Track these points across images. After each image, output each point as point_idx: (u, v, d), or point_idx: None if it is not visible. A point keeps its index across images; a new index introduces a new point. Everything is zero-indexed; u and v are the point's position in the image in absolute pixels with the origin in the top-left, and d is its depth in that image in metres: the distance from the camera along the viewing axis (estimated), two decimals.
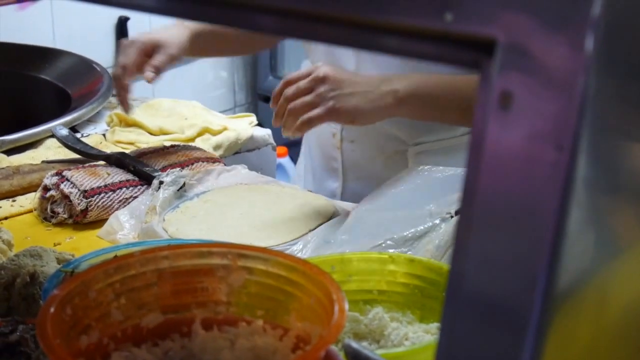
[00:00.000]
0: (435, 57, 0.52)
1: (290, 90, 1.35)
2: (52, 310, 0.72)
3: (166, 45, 1.58)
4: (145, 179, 1.51)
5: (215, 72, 3.68)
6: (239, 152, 1.85)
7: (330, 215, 1.38)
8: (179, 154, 1.63)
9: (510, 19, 0.46)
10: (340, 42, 0.59)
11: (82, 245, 1.35)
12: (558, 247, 0.47)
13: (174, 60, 1.59)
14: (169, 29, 1.63)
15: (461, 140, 1.57)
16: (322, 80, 1.34)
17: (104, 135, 1.85)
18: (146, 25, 3.30)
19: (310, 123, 1.34)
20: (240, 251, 0.82)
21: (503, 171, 0.48)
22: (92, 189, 1.44)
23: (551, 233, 0.47)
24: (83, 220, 1.43)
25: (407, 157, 1.56)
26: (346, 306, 0.71)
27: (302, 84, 1.34)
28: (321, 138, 1.68)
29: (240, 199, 1.45)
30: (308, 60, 1.68)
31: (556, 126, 0.46)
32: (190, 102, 1.99)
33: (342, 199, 1.62)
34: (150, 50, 1.58)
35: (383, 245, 1.15)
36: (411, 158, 1.56)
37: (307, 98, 1.33)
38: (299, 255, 1.21)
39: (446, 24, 0.48)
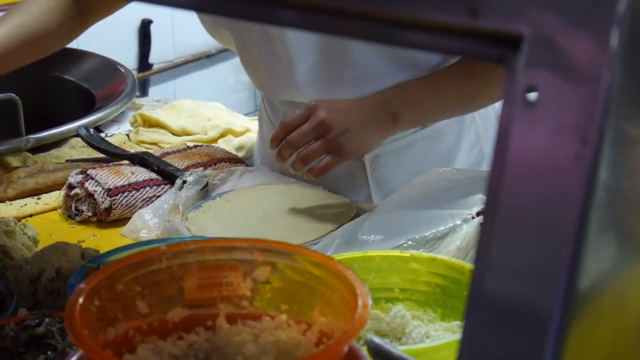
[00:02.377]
0: (462, 52, 0.54)
1: (293, 137, 1.38)
2: (80, 301, 0.74)
3: None
4: (169, 178, 1.52)
5: (236, 75, 3.70)
6: None
7: (352, 216, 1.39)
8: (202, 154, 1.64)
9: (536, 14, 0.47)
10: (366, 38, 0.59)
11: (105, 243, 1.36)
12: (580, 248, 0.48)
13: None
14: None
15: (414, 137, 1.57)
16: (322, 124, 1.37)
17: (127, 135, 1.87)
18: (169, 27, 3.33)
19: (327, 170, 1.39)
20: (265, 246, 0.83)
21: (528, 167, 0.49)
22: (116, 187, 1.46)
23: (574, 231, 0.48)
24: (107, 218, 1.45)
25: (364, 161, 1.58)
26: (369, 301, 0.72)
27: (305, 129, 1.37)
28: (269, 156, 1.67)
29: (262, 199, 1.46)
30: None
31: (581, 120, 0.46)
32: (212, 103, 2.01)
33: (375, 195, 1.63)
34: None
35: (405, 245, 1.16)
36: (368, 162, 1.58)
37: (316, 145, 1.38)
38: None
39: (474, 20, 0.49)
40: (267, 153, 1.65)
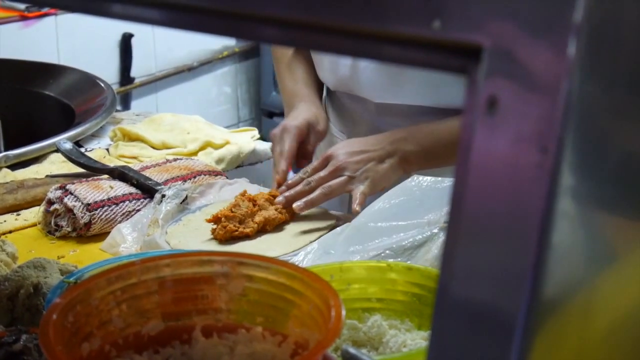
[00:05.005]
0: (426, 64, 0.54)
1: (313, 179, 1.44)
2: (54, 317, 0.74)
3: (315, 123, 1.57)
4: (148, 192, 1.52)
5: (218, 87, 3.71)
6: (241, 165, 1.86)
7: (331, 227, 1.39)
8: (181, 167, 1.64)
9: (496, 25, 0.47)
10: (340, 52, 0.60)
11: (85, 258, 1.36)
12: (543, 253, 0.48)
13: (325, 134, 1.61)
14: (304, 105, 1.61)
15: None
16: (338, 168, 1.43)
17: (107, 149, 1.87)
18: (150, 41, 3.33)
19: (363, 200, 1.41)
20: (240, 259, 0.83)
21: (490, 175, 0.49)
22: (96, 202, 1.46)
23: (536, 238, 0.48)
24: (86, 233, 1.45)
25: None
26: (343, 312, 0.72)
27: (322, 174, 1.44)
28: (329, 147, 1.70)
29: None
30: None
31: (541, 129, 0.47)
32: (192, 116, 2.01)
33: (350, 206, 1.64)
34: (305, 133, 1.55)
35: (382, 255, 1.16)
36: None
37: (342, 179, 1.42)
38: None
39: (434, 32, 0.49)
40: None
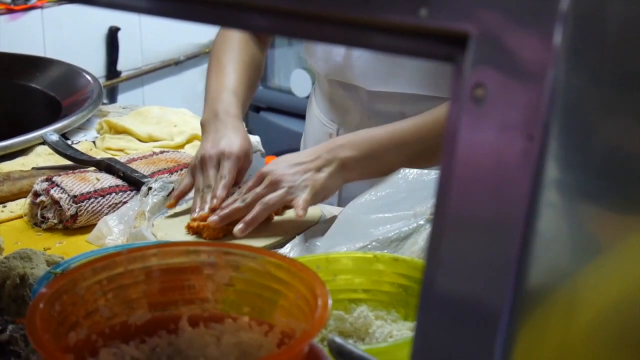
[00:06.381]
0: (413, 52, 0.54)
1: (248, 196, 1.37)
2: (41, 306, 0.74)
3: (249, 154, 1.50)
4: (135, 185, 1.52)
5: (205, 81, 3.70)
6: None
7: (317, 219, 1.40)
8: (167, 160, 1.64)
9: (482, 13, 0.48)
10: (328, 40, 0.60)
11: (71, 250, 1.36)
12: (529, 245, 0.49)
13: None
14: (235, 128, 1.50)
15: None
16: (273, 182, 1.36)
17: (94, 142, 1.86)
18: (136, 35, 3.33)
19: (305, 206, 1.34)
20: (227, 249, 0.83)
21: (476, 164, 0.50)
22: (82, 194, 1.45)
23: (522, 229, 0.49)
24: (73, 225, 1.45)
25: None
26: (329, 301, 0.73)
27: (258, 191, 1.36)
28: (317, 139, 1.70)
29: None
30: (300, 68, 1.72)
31: (527, 116, 0.47)
32: (179, 109, 2.01)
33: (340, 199, 1.64)
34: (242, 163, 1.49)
35: (369, 246, 1.17)
36: None
37: (281, 191, 1.35)
38: None
39: (421, 20, 0.50)
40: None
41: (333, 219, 1.34)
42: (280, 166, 1.39)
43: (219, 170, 1.44)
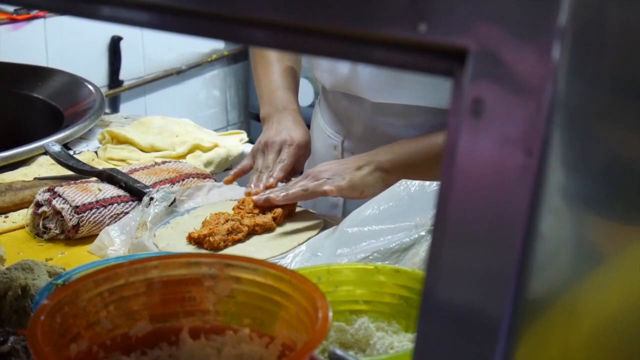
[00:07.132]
0: (412, 67, 0.54)
1: (293, 185, 1.48)
2: (42, 318, 0.74)
3: (309, 144, 1.62)
4: (137, 195, 1.52)
5: (207, 91, 3.70)
6: (230, 168, 1.87)
7: (319, 229, 1.40)
8: (169, 170, 1.64)
9: (481, 29, 0.48)
10: (329, 55, 0.60)
11: (73, 261, 1.36)
12: (528, 256, 0.49)
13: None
14: (294, 120, 1.64)
15: None
16: (315, 173, 1.47)
17: (96, 152, 1.87)
18: (139, 44, 3.33)
19: (338, 187, 1.43)
20: (228, 261, 0.84)
21: (475, 178, 0.50)
22: (84, 204, 1.45)
23: (521, 240, 0.49)
24: (75, 235, 1.45)
25: None
26: (330, 313, 0.73)
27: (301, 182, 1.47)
28: (322, 151, 1.71)
29: None
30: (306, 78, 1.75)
31: (525, 131, 0.47)
32: (181, 119, 2.01)
33: (344, 209, 1.64)
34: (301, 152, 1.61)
35: (370, 257, 1.17)
36: None
37: (320, 181, 1.45)
38: None
39: (420, 35, 0.50)
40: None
41: (334, 229, 1.34)
42: (324, 166, 1.49)
43: (279, 155, 1.55)
